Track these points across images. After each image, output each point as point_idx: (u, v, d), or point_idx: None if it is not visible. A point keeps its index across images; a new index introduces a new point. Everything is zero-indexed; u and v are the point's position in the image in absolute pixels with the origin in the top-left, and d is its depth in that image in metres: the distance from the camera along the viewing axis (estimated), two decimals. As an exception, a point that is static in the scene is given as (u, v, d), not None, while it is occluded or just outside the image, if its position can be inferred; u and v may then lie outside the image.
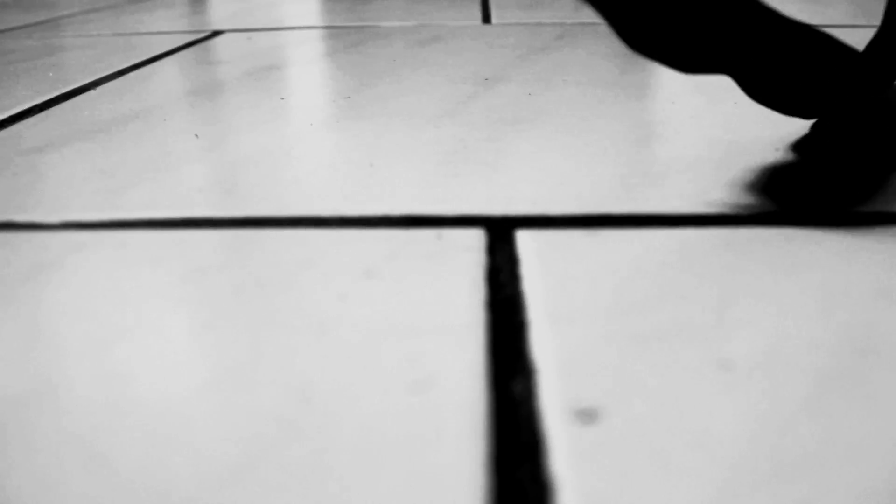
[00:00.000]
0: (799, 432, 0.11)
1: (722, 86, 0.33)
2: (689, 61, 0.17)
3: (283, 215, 0.19)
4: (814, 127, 0.22)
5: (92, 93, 0.34)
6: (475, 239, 0.18)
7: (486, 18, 0.56)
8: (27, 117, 0.29)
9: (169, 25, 0.56)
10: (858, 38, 0.45)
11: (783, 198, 0.20)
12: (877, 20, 0.53)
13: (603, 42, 0.45)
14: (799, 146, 0.20)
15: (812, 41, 0.17)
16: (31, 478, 0.11)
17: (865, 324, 0.14)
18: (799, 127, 0.27)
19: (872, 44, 0.20)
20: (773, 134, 0.26)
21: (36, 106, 0.31)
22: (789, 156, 0.23)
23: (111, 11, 0.66)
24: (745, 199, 0.20)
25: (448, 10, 0.62)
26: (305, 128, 0.27)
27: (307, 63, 0.40)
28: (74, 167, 0.23)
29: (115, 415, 0.12)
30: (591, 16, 0.57)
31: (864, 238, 0.18)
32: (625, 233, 0.18)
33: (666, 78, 0.35)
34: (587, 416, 0.12)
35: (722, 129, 0.26)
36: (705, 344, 0.13)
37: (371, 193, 0.21)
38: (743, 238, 0.18)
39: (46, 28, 0.56)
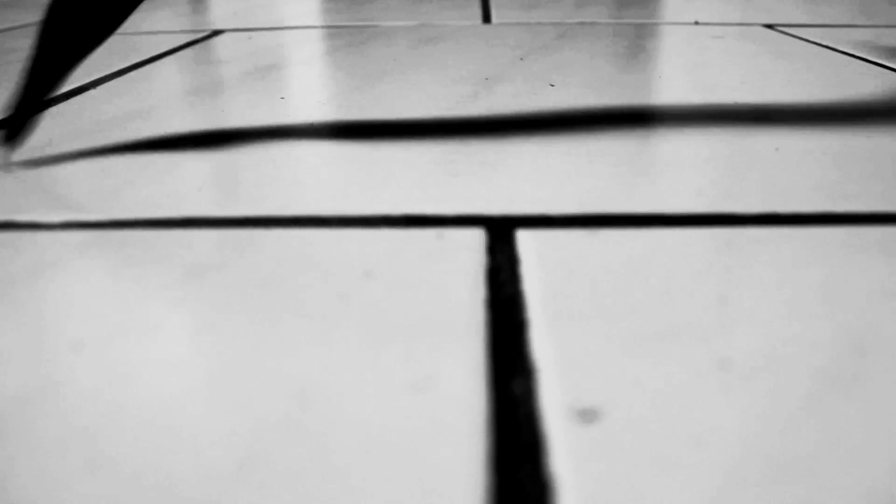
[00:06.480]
0: (799, 432, 0.11)
1: (722, 85, 0.33)
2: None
3: (283, 215, 0.19)
4: None
5: (92, 92, 0.34)
6: (475, 239, 0.18)
7: (487, 18, 0.56)
8: (27, 117, 0.29)
9: (169, 25, 0.56)
10: (858, 38, 0.45)
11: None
12: (877, 20, 0.53)
13: (603, 42, 0.45)
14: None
15: None
16: (32, 477, 0.11)
17: (865, 324, 0.14)
18: (798, 127, 0.27)
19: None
20: (772, 133, 0.26)
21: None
22: (787, 155, 0.23)
23: (111, 11, 0.66)
24: (745, 199, 0.20)
25: (448, 9, 0.62)
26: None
27: (307, 62, 0.40)
28: (74, 167, 0.23)
29: (116, 414, 0.12)
30: (591, 15, 0.57)
31: (864, 238, 0.18)
32: (625, 233, 0.18)
33: (666, 78, 0.35)
34: (587, 416, 0.12)
35: (722, 129, 0.26)
36: (705, 344, 0.13)
37: (371, 193, 0.21)
38: (743, 238, 0.18)
39: (46, 28, 0.56)
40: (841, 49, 0.42)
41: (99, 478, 0.11)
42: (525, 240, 0.18)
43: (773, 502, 0.10)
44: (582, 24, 0.53)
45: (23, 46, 0.47)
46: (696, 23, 0.52)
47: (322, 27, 0.53)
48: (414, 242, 0.18)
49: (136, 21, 0.59)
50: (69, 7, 0.23)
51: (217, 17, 0.60)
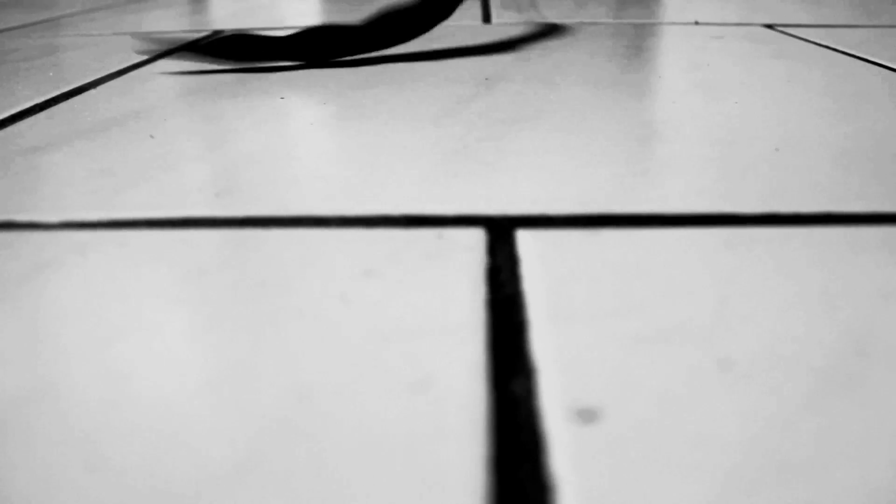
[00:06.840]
0: (799, 432, 0.11)
1: (722, 86, 0.33)
2: None
3: (283, 215, 0.19)
4: None
5: (92, 92, 0.34)
6: (475, 238, 0.18)
7: (487, 18, 0.56)
8: (27, 117, 0.29)
9: (169, 25, 0.56)
10: (858, 38, 0.45)
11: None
12: (877, 20, 0.53)
13: (603, 42, 0.45)
14: None
15: None
16: (31, 477, 0.11)
17: (865, 324, 0.14)
18: (798, 127, 0.27)
19: None
20: (773, 134, 0.26)
21: (36, 105, 0.31)
22: (789, 155, 0.23)
23: (111, 11, 0.66)
24: (745, 199, 0.20)
25: (448, 9, 0.62)
26: (305, 127, 0.27)
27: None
28: (74, 167, 0.23)
29: (116, 414, 0.12)
30: (591, 15, 0.57)
31: (864, 238, 0.18)
32: (625, 233, 0.18)
33: (666, 78, 0.35)
34: (587, 416, 0.12)
35: (722, 129, 0.26)
36: (705, 344, 0.13)
37: (371, 193, 0.21)
38: (743, 238, 0.18)
39: (46, 27, 0.56)
40: (841, 49, 0.42)
41: (97, 478, 0.11)
42: (525, 240, 0.18)
43: (773, 502, 0.10)
44: (582, 23, 0.53)
45: (22, 46, 0.47)
46: (696, 23, 0.52)
47: (322, 27, 0.53)
48: (414, 242, 0.18)
49: (136, 21, 0.59)
50: None
51: (217, 17, 0.60)
